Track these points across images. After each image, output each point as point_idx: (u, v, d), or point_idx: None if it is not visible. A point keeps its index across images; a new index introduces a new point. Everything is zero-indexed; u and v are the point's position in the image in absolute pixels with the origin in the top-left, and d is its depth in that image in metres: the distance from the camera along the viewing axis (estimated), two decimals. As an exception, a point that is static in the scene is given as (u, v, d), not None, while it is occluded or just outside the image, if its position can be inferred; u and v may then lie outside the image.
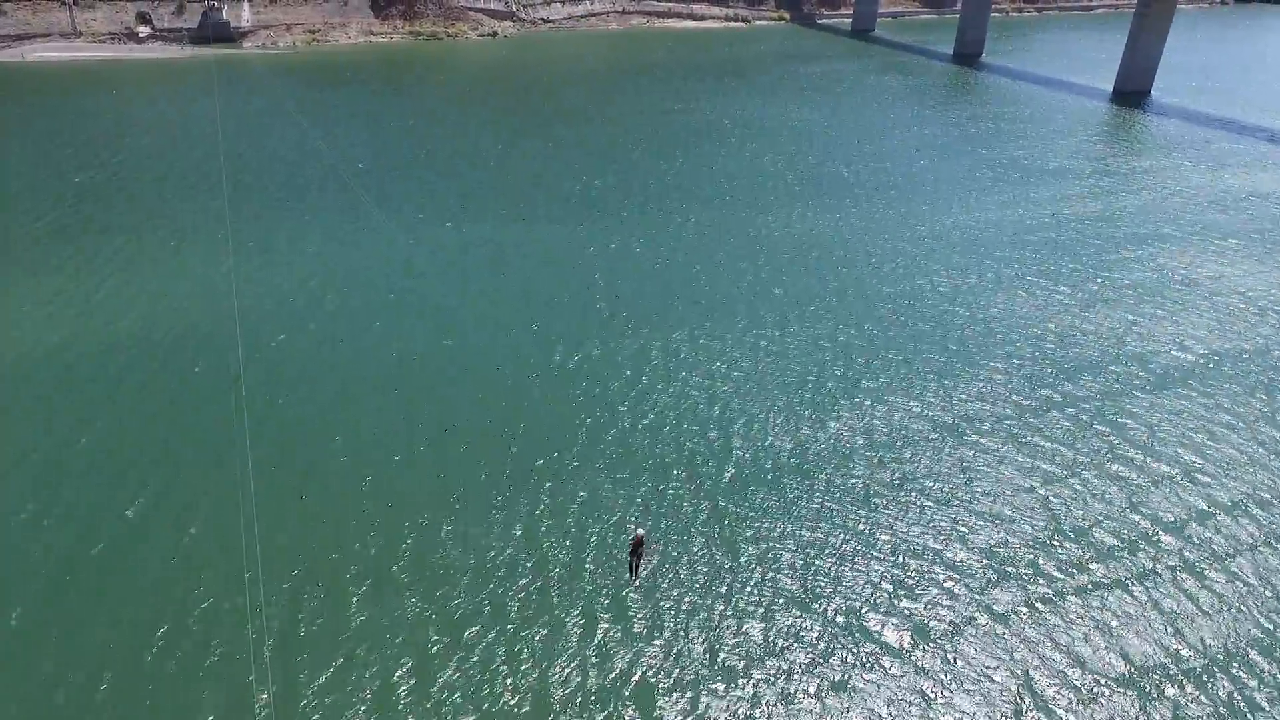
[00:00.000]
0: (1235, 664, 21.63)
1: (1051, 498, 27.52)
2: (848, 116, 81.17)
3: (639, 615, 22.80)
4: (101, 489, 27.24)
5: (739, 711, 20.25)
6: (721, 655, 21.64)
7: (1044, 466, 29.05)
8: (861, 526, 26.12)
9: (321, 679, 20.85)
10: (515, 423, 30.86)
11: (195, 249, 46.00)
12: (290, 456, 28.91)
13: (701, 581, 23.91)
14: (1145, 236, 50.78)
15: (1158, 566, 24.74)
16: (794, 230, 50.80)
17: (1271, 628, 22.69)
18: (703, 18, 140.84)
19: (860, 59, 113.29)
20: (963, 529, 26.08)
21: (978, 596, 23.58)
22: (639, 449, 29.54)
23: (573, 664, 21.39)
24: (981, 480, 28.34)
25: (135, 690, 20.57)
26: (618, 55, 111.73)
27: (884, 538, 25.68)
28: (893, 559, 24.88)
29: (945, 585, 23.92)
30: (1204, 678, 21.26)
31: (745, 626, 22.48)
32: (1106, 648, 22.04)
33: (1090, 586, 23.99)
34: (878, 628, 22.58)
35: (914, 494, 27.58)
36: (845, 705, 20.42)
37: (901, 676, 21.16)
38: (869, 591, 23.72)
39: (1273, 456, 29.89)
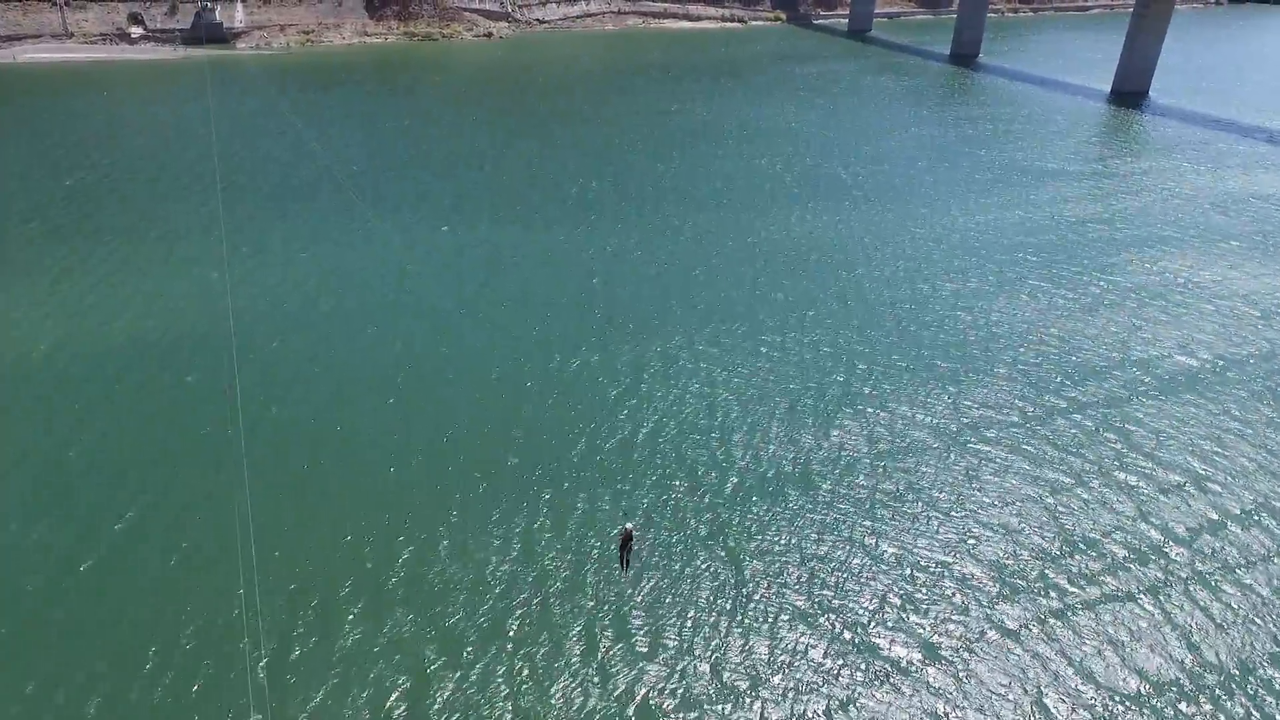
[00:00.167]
0: (1251, 679, 21.18)
1: (1059, 508, 27.05)
2: (845, 118, 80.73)
3: (641, 631, 22.26)
4: (95, 496, 26.63)
5: (745, 732, 19.77)
6: (726, 674, 21.11)
7: (1051, 475, 28.59)
8: (867, 539, 25.62)
9: (316, 700, 20.27)
10: (513, 430, 30.31)
11: (189, 251, 45.35)
12: (285, 463, 28.32)
13: (706, 597, 23.39)
14: (1146, 239, 50.41)
15: (1169, 579, 24.28)
16: (792, 233, 50.32)
17: (1286, 642, 22.28)
18: (699, 18, 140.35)
19: (857, 59, 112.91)
20: (970, 541, 25.60)
21: (987, 611, 23.09)
22: (639, 458, 29.00)
23: (574, 683, 20.84)
24: (988, 490, 27.86)
25: (125, 715, 19.97)
26: (613, 56, 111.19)
27: (890, 550, 25.18)
28: (899, 571, 24.38)
29: (954, 600, 23.43)
30: (1219, 693, 20.81)
31: (751, 644, 21.96)
32: (1120, 663, 21.57)
33: (1101, 600, 23.52)
34: (886, 644, 22.08)
35: (919, 504, 27.09)
36: (853, 725, 19.96)
37: (912, 694, 20.65)
38: (876, 605, 23.22)
39: (1282, 464, 29.51)
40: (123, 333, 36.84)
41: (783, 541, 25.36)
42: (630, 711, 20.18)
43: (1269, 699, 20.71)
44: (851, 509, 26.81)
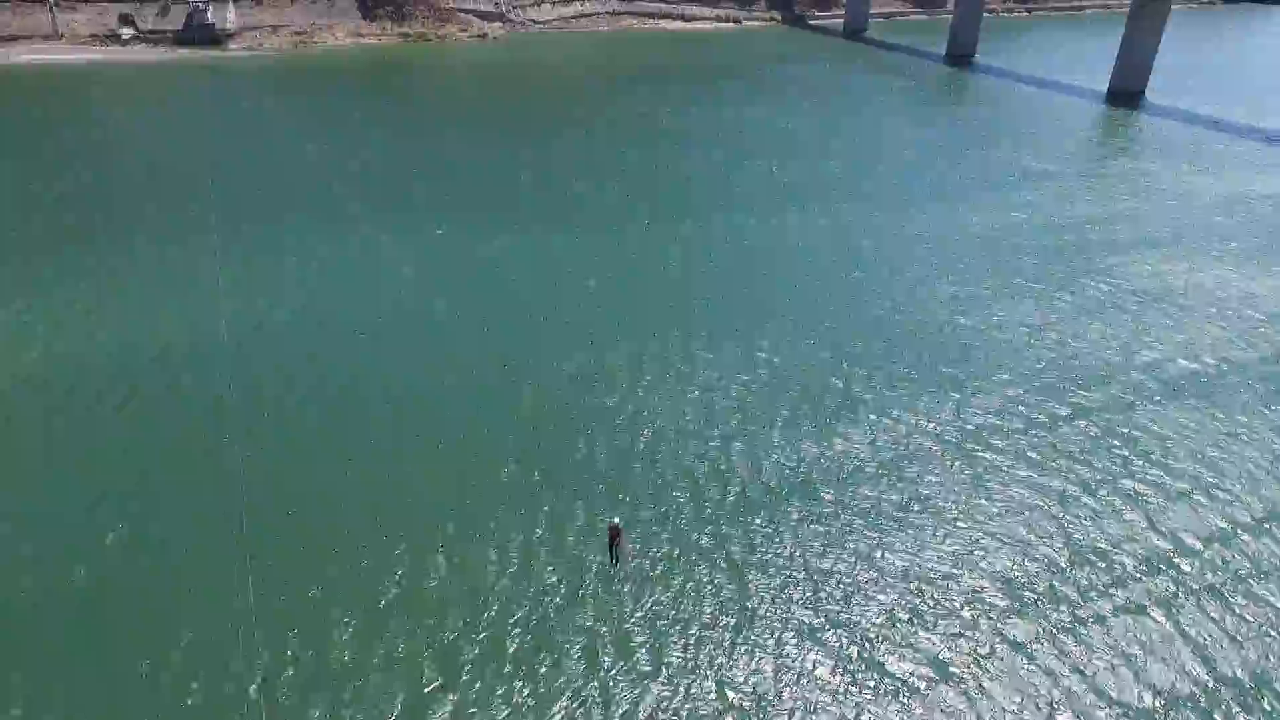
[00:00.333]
0: (1268, 693, 20.70)
1: (1067, 518, 26.60)
2: (841, 119, 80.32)
3: (644, 648, 21.73)
4: (83, 512, 25.97)
5: (751, 754, 19.26)
6: (731, 693, 20.60)
7: (1058, 484, 28.13)
8: (873, 551, 25.11)
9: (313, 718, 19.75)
10: (510, 440, 29.78)
11: (179, 259, 44.63)
12: (279, 477, 27.72)
13: (710, 613, 22.86)
14: (1146, 240, 50.07)
15: (1181, 591, 23.82)
16: (788, 236, 49.88)
17: (1301, 656, 21.84)
18: (694, 19, 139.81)
19: (853, 60, 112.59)
20: (978, 552, 25.12)
21: (998, 625, 22.59)
22: (639, 467, 28.48)
23: (575, 703, 20.30)
24: (995, 499, 27.39)
25: (111, 737, 19.42)
26: (608, 57, 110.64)
27: (897, 562, 24.68)
28: (906, 584, 23.88)
29: (963, 614, 22.92)
30: (1235, 709, 20.34)
31: (756, 662, 21.44)
32: (1132, 678, 21.08)
33: (1113, 613, 23.04)
34: (895, 661, 21.56)
35: (925, 514, 26.61)
36: (862, 745, 19.47)
37: (923, 714, 20.15)
38: (884, 620, 22.70)
39: (1291, 471, 29.11)
40: (113, 342, 36.16)
41: (786, 554, 24.87)
42: (633, 733, 19.69)
43: (1286, 715, 20.29)
44: (856, 520, 26.33)
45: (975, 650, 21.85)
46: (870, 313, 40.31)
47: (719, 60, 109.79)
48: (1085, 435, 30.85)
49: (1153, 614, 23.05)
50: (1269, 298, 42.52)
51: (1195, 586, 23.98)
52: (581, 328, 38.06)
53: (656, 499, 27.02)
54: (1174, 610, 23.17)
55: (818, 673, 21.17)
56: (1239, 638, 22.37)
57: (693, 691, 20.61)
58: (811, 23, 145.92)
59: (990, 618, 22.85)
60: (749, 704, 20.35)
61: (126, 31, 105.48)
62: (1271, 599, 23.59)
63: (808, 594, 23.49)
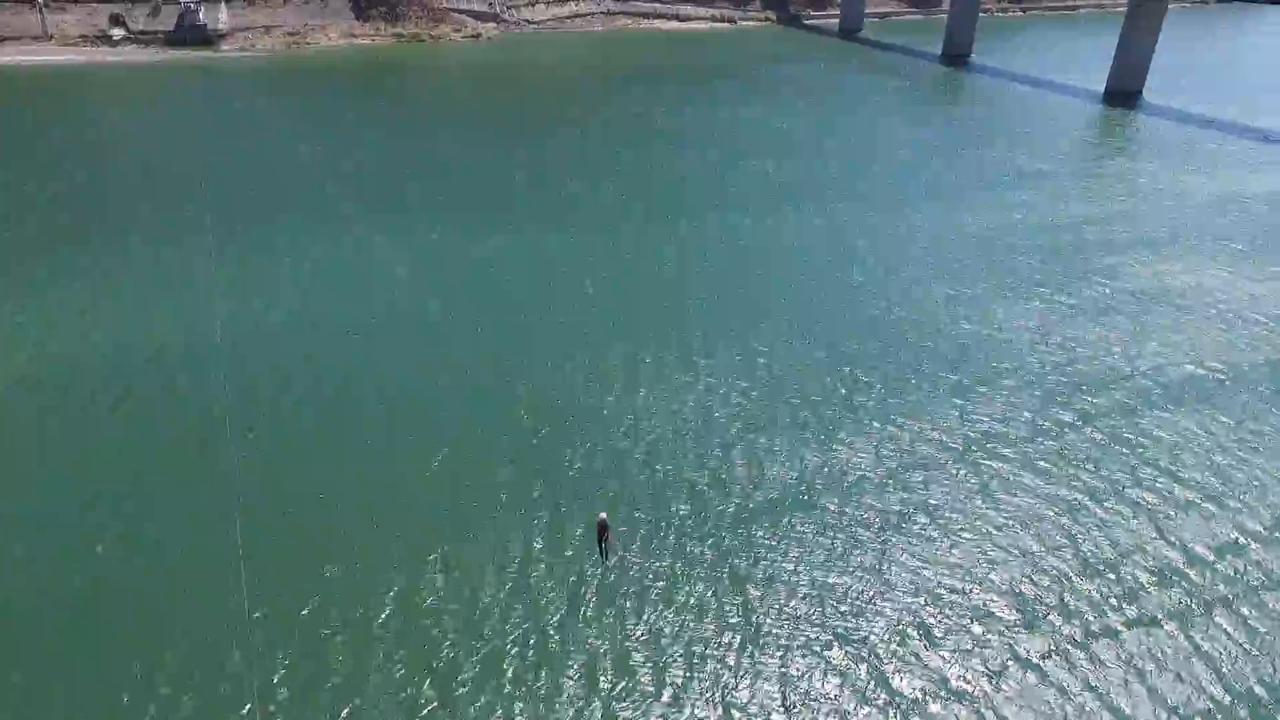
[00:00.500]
0: (1282, 712, 20.28)
1: (1076, 528, 26.08)
2: (836, 119, 79.90)
3: (646, 666, 21.09)
4: (77, 517, 25.40)
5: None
6: (737, 714, 20.01)
7: (1065, 494, 27.62)
8: (879, 564, 24.53)
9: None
10: (507, 448, 29.22)
11: (173, 259, 44.03)
12: (274, 477, 27.18)
13: (713, 630, 22.26)
14: (1144, 240, 49.72)
15: (1193, 603, 23.28)
16: (783, 237, 49.40)
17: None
18: (689, 18, 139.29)
19: (848, 60, 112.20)
20: (986, 565, 24.56)
21: (1009, 641, 22.01)
22: (639, 477, 27.90)
23: (571, 712, 19.81)
24: (1002, 510, 26.84)
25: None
26: (602, 57, 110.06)
27: (903, 576, 24.10)
28: (914, 599, 23.29)
29: (973, 630, 22.34)
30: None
31: (761, 681, 20.81)
32: (1146, 695, 20.52)
33: (1125, 627, 22.49)
34: (904, 679, 20.96)
35: (931, 526, 26.04)
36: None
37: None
38: (892, 636, 22.11)
39: (1301, 478, 28.66)
40: (107, 342, 35.69)
41: (789, 568, 24.30)
42: (635, 755, 19.14)
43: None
44: (861, 531, 25.78)
45: (987, 667, 21.27)
46: (866, 313, 39.88)
47: (714, 60, 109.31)
48: (1091, 442, 30.38)
49: (1166, 627, 22.51)
50: (1269, 299, 42.17)
51: (1208, 599, 23.45)
52: (576, 328, 37.58)
53: (657, 508, 26.43)
54: (1187, 624, 22.64)
55: (825, 690, 20.60)
56: (1256, 651, 21.84)
57: (697, 713, 19.99)
58: (806, 23, 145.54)
59: (1001, 633, 22.28)
60: (754, 724, 19.83)
61: (117, 32, 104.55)
62: (1286, 611, 23.12)
63: (813, 610, 22.89)
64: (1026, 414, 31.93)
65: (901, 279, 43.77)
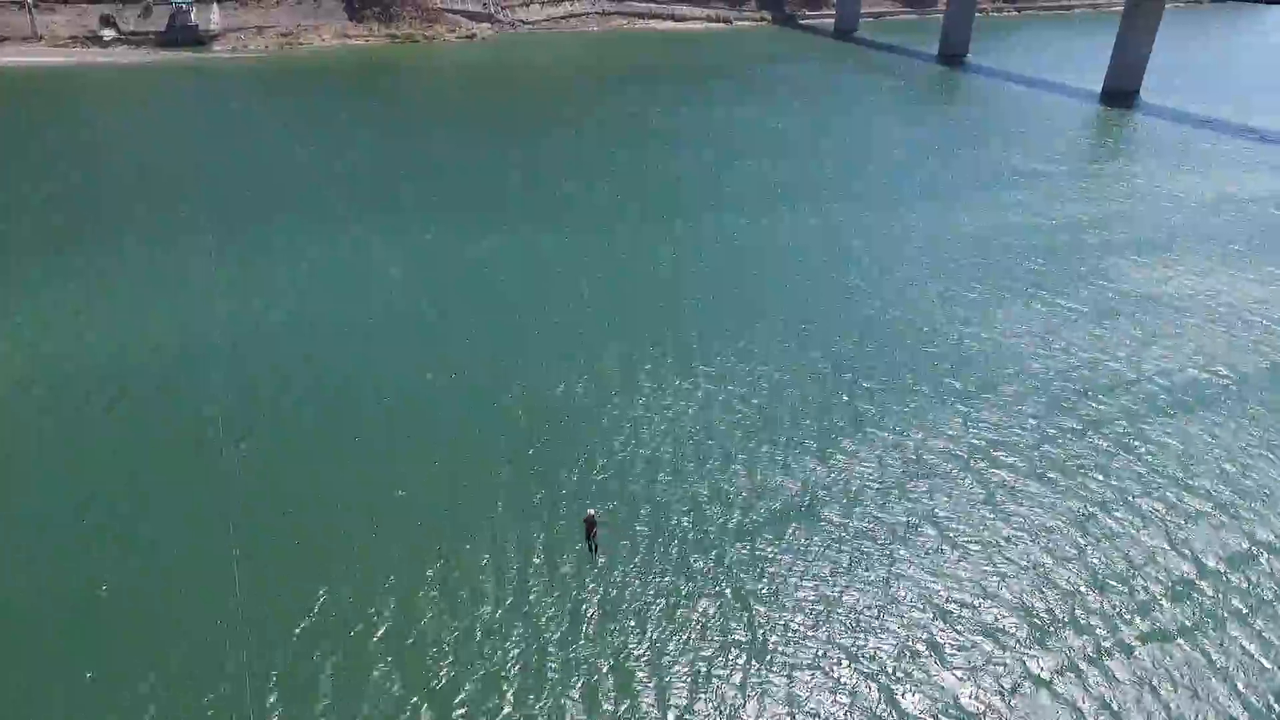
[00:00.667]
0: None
1: (1085, 540, 25.53)
2: (832, 119, 79.47)
3: (647, 688, 20.49)
4: (73, 522, 24.97)
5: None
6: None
7: (1073, 504, 27.08)
8: (886, 578, 23.94)
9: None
10: (501, 442, 28.87)
11: (168, 260, 43.45)
12: (271, 478, 26.87)
13: (716, 647, 21.67)
14: (1144, 242, 49.34)
15: (1206, 616, 22.76)
16: (779, 238, 48.92)
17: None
18: (684, 19, 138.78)
19: (843, 60, 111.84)
20: (994, 579, 24.00)
21: (1020, 657, 21.47)
22: (637, 489, 27.30)
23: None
24: (1010, 521, 26.29)
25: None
26: (597, 57, 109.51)
27: (910, 591, 23.53)
28: (922, 614, 22.73)
29: (983, 647, 21.78)
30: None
31: (767, 702, 20.23)
32: (1165, 714, 20.01)
33: (1138, 641, 21.96)
34: (914, 700, 20.41)
35: (938, 538, 25.47)
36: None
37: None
38: (901, 653, 21.55)
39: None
40: (103, 343, 35.26)
41: (793, 582, 23.71)
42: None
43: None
44: (866, 543, 25.21)
45: (1000, 685, 20.69)
46: (862, 313, 39.45)
47: (709, 60, 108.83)
48: (1098, 449, 29.86)
49: (1180, 642, 21.99)
50: (1270, 301, 41.79)
51: (1222, 612, 22.94)
52: (571, 328, 37.15)
53: (656, 519, 25.85)
54: (1201, 638, 22.12)
55: (834, 710, 20.02)
56: (1272, 665, 21.28)
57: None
58: (802, 23, 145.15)
59: (1013, 649, 21.73)
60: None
61: (108, 33, 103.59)
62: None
63: (819, 626, 22.36)
64: (1031, 420, 31.45)
65: (897, 279, 43.33)
